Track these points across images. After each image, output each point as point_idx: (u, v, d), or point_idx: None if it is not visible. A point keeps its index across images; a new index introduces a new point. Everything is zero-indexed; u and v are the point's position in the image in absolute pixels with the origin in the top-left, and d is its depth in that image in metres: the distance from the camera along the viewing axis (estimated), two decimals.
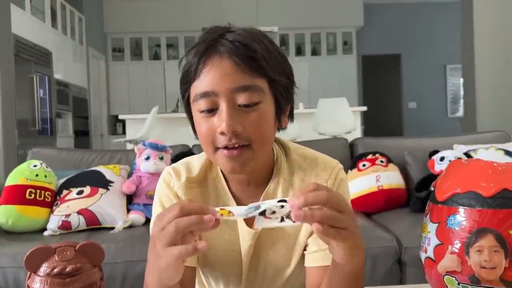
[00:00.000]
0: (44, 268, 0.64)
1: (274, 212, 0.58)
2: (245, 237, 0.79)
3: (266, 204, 0.58)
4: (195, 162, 0.83)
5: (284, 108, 0.76)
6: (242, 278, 0.82)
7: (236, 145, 0.69)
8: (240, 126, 0.68)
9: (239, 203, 0.79)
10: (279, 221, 0.58)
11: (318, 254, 0.77)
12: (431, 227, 0.70)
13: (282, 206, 0.57)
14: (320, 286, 0.74)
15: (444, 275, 0.67)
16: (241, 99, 0.69)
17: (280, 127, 0.77)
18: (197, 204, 0.57)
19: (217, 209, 0.58)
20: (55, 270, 0.64)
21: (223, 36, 0.71)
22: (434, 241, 0.68)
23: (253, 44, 0.70)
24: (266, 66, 0.70)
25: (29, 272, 0.66)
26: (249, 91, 0.69)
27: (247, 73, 0.69)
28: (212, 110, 0.70)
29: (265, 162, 0.78)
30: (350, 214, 0.58)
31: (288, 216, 0.58)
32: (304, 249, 0.80)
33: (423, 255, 0.72)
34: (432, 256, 0.69)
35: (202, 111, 0.71)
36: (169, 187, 0.80)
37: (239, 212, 0.59)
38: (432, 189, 0.74)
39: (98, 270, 0.69)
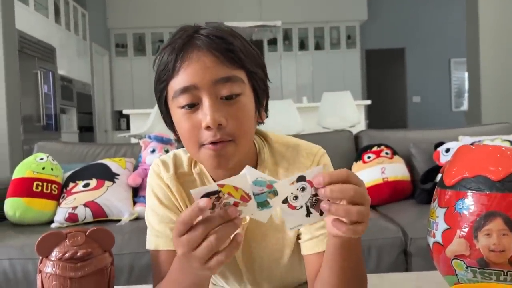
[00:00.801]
0: (55, 253, 0.65)
1: (296, 198, 0.56)
2: None
3: (281, 185, 0.55)
4: (183, 155, 0.83)
5: (262, 101, 0.76)
6: (241, 271, 0.83)
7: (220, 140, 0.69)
8: (224, 119, 0.68)
9: None
10: (306, 215, 0.56)
11: (312, 241, 0.78)
12: (439, 212, 0.70)
13: (303, 189, 0.55)
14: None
15: (453, 259, 0.67)
16: (223, 91, 0.68)
17: (260, 120, 0.78)
18: (196, 209, 0.55)
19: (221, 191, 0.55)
20: (67, 254, 0.65)
21: (198, 32, 0.71)
22: (442, 225, 0.69)
23: (229, 38, 0.71)
24: (244, 58, 0.71)
25: (41, 257, 0.67)
26: (230, 82, 0.69)
27: (226, 65, 0.69)
28: (193, 105, 0.69)
29: (248, 155, 0.78)
30: (369, 203, 0.57)
31: (312, 204, 0.56)
32: (298, 238, 0.81)
33: (431, 240, 0.72)
34: (440, 240, 0.69)
35: (182, 107, 0.69)
36: (160, 178, 0.81)
37: (252, 204, 0.56)
38: (438, 180, 0.74)
39: (109, 255, 0.70)
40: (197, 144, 0.70)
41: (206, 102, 0.68)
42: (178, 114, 0.71)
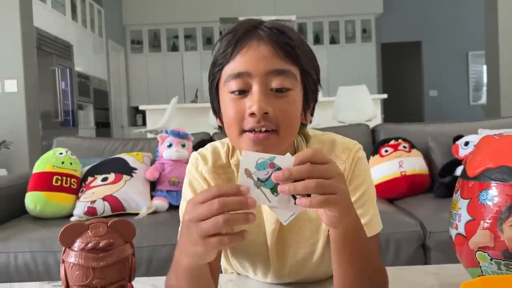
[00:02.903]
0: (78, 243, 0.66)
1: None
2: (268, 220, 0.79)
3: (281, 160, 0.56)
4: (220, 147, 0.83)
5: (310, 102, 0.77)
6: (270, 264, 0.82)
7: (263, 129, 0.69)
8: (270, 109, 0.69)
9: None
10: (294, 203, 0.56)
11: None
12: (462, 203, 0.69)
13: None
14: None
15: (476, 251, 0.66)
16: (274, 83, 0.70)
17: (305, 121, 0.78)
18: (234, 190, 0.55)
19: None
20: (89, 245, 0.65)
21: (261, 24, 0.73)
22: (465, 217, 0.68)
23: (290, 33, 0.72)
24: (301, 55, 0.72)
25: (64, 247, 0.68)
26: (283, 76, 0.70)
27: (283, 59, 0.70)
28: (243, 92, 0.70)
29: (286, 152, 0.78)
30: (339, 177, 0.57)
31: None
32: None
33: (453, 232, 0.71)
34: (463, 232, 0.68)
35: (232, 92, 0.71)
36: (197, 171, 0.81)
37: (262, 195, 0.56)
38: (460, 171, 0.73)
39: (130, 246, 0.70)
40: (239, 129, 0.71)
41: (255, 90, 0.69)
42: (226, 99, 0.72)
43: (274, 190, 0.56)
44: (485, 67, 5.41)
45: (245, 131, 0.70)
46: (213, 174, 0.80)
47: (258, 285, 0.87)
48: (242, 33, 0.71)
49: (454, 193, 0.72)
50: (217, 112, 0.78)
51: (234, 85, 0.70)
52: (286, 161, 0.56)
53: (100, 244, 0.65)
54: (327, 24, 8.44)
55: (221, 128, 0.79)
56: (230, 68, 0.71)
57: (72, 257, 0.66)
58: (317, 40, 8.46)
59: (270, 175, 0.56)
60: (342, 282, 0.67)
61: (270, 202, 0.56)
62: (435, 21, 8.83)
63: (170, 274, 0.69)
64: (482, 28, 5.33)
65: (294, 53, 0.71)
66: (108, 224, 0.68)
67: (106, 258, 0.65)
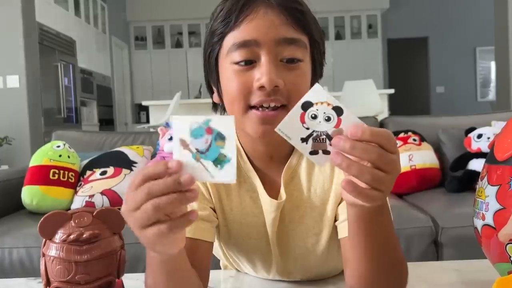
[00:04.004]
0: (60, 235, 0.60)
1: (315, 117, 0.47)
2: (267, 209, 0.72)
3: (218, 120, 0.45)
4: None
5: (317, 76, 0.70)
6: (272, 259, 0.76)
7: (272, 104, 0.62)
8: (281, 81, 0.62)
9: (262, 178, 0.72)
10: (302, 139, 0.47)
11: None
12: (490, 191, 0.61)
13: (329, 119, 0.47)
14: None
15: (507, 244, 0.59)
16: (285, 52, 0.63)
17: None
18: (160, 169, 0.45)
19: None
20: (71, 236, 0.59)
21: None
22: (494, 205, 0.60)
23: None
24: (311, 23, 0.66)
25: (44, 239, 0.61)
26: (294, 45, 0.64)
27: (293, 27, 0.64)
28: (249, 63, 0.63)
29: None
30: (396, 174, 0.47)
31: (317, 138, 0.47)
32: (335, 220, 0.73)
33: (479, 223, 0.63)
34: (491, 223, 0.61)
35: (237, 63, 0.64)
36: None
37: (202, 167, 0.45)
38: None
39: (118, 238, 0.64)
40: (245, 104, 0.64)
41: (264, 60, 0.62)
42: (229, 71, 0.65)
43: (217, 162, 0.45)
44: (493, 63, 5.32)
45: (251, 108, 0.63)
46: None
47: (259, 282, 0.81)
48: None
49: (479, 180, 0.65)
50: (215, 87, 0.70)
51: (238, 55, 0.63)
52: (225, 122, 0.45)
53: (84, 235, 0.59)
54: (332, 19, 8.34)
55: (215, 105, 0.72)
56: (234, 36, 0.64)
57: (52, 250, 0.59)
58: None
59: (211, 143, 0.45)
60: (369, 273, 0.59)
61: (213, 177, 0.46)
62: (442, 17, 8.71)
63: (147, 272, 0.61)
64: (490, 24, 5.23)
65: (305, 20, 0.65)
66: (94, 214, 0.61)
67: (91, 251, 0.59)
